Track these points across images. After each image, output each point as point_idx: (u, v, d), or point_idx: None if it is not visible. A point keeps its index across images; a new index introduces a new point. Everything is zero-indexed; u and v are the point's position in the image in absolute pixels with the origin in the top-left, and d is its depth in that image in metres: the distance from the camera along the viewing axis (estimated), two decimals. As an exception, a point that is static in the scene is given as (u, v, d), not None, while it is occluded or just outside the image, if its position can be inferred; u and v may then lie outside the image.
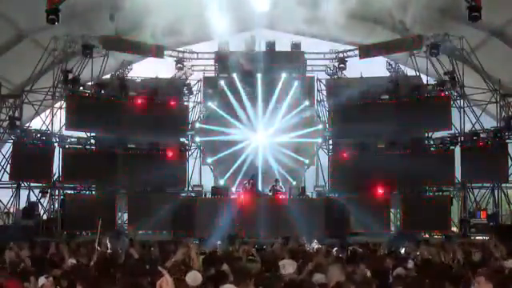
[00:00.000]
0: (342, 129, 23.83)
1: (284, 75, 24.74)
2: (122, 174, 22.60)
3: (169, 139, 23.91)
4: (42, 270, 7.17)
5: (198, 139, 24.69)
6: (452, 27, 21.76)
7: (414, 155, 22.28)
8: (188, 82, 25.45)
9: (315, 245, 13.27)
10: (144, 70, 25.61)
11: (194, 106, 25.58)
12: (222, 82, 25.17)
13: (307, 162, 24.80)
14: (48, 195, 21.52)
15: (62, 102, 22.41)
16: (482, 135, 21.23)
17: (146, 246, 12.23)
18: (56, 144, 21.79)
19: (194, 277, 5.90)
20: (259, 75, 24.66)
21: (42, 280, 6.28)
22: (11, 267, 8.01)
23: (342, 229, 20.03)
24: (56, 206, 21.57)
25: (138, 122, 22.94)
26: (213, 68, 26.15)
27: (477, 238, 19.72)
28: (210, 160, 24.78)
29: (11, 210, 21.05)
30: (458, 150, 21.65)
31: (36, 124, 22.30)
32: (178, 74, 25.51)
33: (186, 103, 25.05)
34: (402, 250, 12.09)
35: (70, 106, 22.15)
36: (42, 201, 21.41)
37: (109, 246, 10.63)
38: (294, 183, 23.53)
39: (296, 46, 25.53)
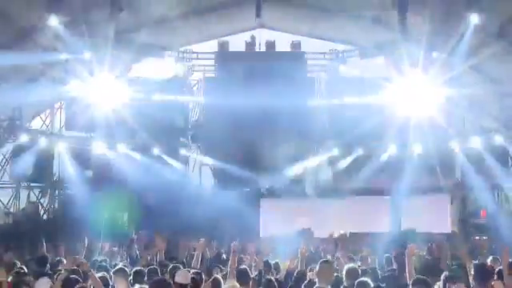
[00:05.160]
0: (342, 129, 23.84)
1: (284, 75, 24.73)
2: (121, 174, 22.62)
3: (168, 139, 23.93)
4: None
5: (197, 139, 24.71)
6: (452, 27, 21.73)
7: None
8: (188, 81, 25.46)
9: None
10: (144, 70, 25.62)
11: (193, 106, 25.58)
12: (222, 82, 25.18)
13: (307, 161, 24.80)
14: (48, 195, 21.53)
15: (62, 101, 22.42)
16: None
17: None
18: (56, 144, 21.77)
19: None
20: (259, 75, 24.66)
21: (43, 282, 6.26)
22: None
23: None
24: (56, 205, 21.59)
25: (138, 122, 22.96)
26: (213, 68, 26.17)
27: (476, 237, 19.75)
28: (209, 160, 24.82)
29: (11, 210, 21.07)
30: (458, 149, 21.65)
31: (36, 124, 22.31)
32: (178, 73, 25.51)
33: (185, 103, 25.03)
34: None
35: (70, 105, 22.13)
36: (42, 201, 21.43)
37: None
38: (294, 183, 23.50)
39: (296, 45, 25.53)
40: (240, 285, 5.81)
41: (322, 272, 6.00)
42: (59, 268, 8.60)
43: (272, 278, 7.00)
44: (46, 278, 6.46)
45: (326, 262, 6.60)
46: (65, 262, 9.02)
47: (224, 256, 11.13)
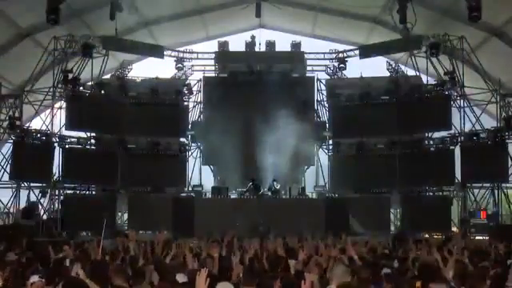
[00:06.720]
0: (342, 129, 23.87)
1: (284, 75, 24.73)
2: (121, 173, 22.65)
3: (169, 139, 23.94)
4: None
5: (197, 139, 24.71)
6: (452, 27, 21.77)
7: (414, 155, 22.28)
8: (188, 82, 25.47)
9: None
10: (144, 69, 25.66)
11: (193, 106, 25.59)
12: (222, 82, 25.19)
13: (307, 161, 24.82)
14: (48, 195, 21.51)
15: (62, 101, 22.44)
16: (481, 135, 21.23)
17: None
18: (56, 144, 21.78)
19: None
20: (259, 75, 24.66)
21: (34, 278, 6.26)
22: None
23: (341, 229, 19.96)
24: (56, 205, 21.59)
25: (138, 121, 23.00)
26: (213, 68, 26.16)
27: (476, 237, 19.74)
28: (209, 160, 24.82)
29: (11, 210, 21.05)
30: (457, 149, 21.63)
31: (36, 124, 22.32)
32: (177, 73, 25.52)
33: (185, 103, 25.06)
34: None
35: (70, 105, 22.16)
36: (41, 201, 21.41)
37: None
38: (294, 183, 23.50)
39: (296, 45, 25.54)
40: (245, 284, 5.76)
41: (336, 274, 5.90)
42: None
43: None
44: (37, 276, 6.46)
45: (342, 264, 6.50)
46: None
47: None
